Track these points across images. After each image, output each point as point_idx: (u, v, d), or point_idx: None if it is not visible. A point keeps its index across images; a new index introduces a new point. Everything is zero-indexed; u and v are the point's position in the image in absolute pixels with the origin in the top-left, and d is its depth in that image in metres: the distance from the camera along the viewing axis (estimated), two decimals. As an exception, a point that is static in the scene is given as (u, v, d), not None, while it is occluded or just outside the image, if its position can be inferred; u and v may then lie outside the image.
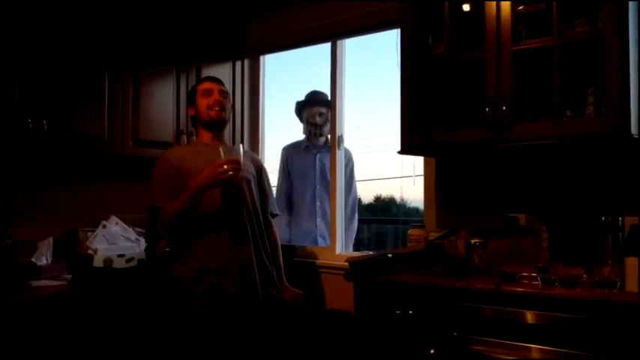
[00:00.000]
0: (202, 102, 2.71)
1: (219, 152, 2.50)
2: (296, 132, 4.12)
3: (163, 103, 3.50)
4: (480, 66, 2.54)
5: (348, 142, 3.75)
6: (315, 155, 3.95)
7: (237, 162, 2.45)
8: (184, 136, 3.51)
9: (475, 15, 2.63)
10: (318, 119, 3.93)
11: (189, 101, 2.83)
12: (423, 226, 2.77)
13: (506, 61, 2.46)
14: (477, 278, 2.29)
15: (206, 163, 2.52)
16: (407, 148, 2.74)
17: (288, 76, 4.87)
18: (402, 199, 4.94)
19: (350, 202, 3.83)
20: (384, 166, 4.72)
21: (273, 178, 3.83)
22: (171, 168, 2.63)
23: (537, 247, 2.53)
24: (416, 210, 4.82)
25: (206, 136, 2.75)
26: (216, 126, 2.73)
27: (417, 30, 2.77)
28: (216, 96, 2.70)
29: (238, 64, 3.94)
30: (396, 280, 2.35)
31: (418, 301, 2.29)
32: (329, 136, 3.81)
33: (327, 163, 3.79)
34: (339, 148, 3.61)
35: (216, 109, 2.68)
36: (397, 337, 2.30)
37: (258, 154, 4.06)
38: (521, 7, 2.49)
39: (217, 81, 2.78)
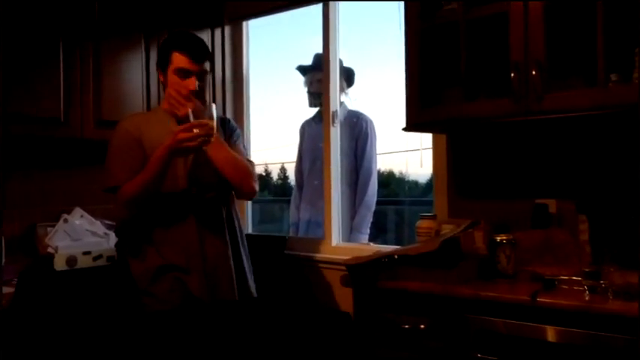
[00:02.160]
0: (175, 81, 2.23)
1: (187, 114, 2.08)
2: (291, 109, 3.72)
3: (131, 77, 3.06)
4: (502, 22, 2.08)
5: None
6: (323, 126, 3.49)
7: (210, 126, 2.01)
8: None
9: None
10: (315, 87, 3.48)
11: (159, 63, 2.32)
12: (433, 217, 2.33)
13: (536, 14, 1.99)
14: (504, 284, 1.86)
15: (168, 134, 2.14)
16: (413, 125, 2.29)
17: (279, 44, 4.36)
18: (401, 173, 4.63)
19: (361, 182, 3.40)
20: (385, 136, 4.24)
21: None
22: (132, 139, 2.23)
23: (573, 240, 2.10)
24: (415, 183, 4.53)
25: None
26: None
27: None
28: (192, 83, 2.20)
29: (218, 31, 3.46)
30: (403, 288, 1.92)
31: (432, 314, 1.87)
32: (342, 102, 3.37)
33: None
34: (332, 125, 3.16)
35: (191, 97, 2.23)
36: (406, 356, 1.88)
37: (243, 135, 3.60)
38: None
39: (198, 58, 2.22)
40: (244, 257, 2.40)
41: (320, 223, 3.40)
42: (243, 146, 2.50)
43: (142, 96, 3.08)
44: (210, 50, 3.38)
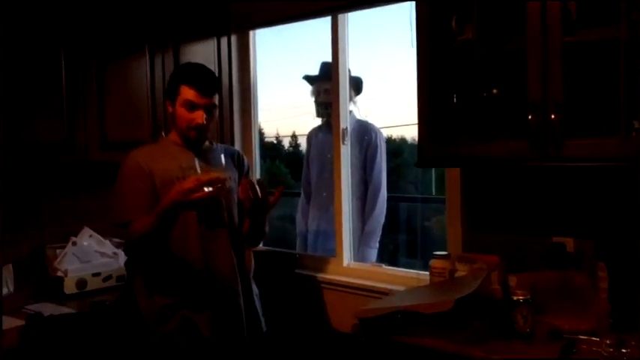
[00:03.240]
0: (183, 115, 2.19)
1: (194, 165, 2.08)
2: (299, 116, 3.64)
3: (135, 93, 2.99)
4: (520, 58, 1.98)
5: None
6: (331, 136, 3.41)
7: (220, 179, 1.97)
8: (163, 133, 2.99)
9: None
10: (322, 97, 3.40)
11: (167, 94, 2.30)
12: (447, 257, 2.27)
13: (555, 55, 1.89)
14: (521, 346, 1.80)
15: (180, 170, 2.18)
16: (426, 162, 2.21)
17: (288, 52, 4.23)
18: (414, 139, 4.44)
19: (370, 196, 3.34)
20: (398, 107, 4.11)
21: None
22: (143, 174, 2.19)
23: (592, 285, 2.04)
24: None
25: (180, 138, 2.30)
26: (195, 145, 2.26)
27: (437, 8, 2.19)
28: (199, 117, 2.16)
29: (224, 40, 3.35)
30: (415, 344, 1.87)
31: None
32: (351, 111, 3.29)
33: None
34: (343, 143, 3.07)
35: (198, 131, 2.20)
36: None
37: (250, 145, 3.53)
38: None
39: (207, 92, 2.18)
40: (254, 292, 2.38)
41: (329, 234, 3.36)
42: None
43: (147, 114, 3.01)
44: (217, 59, 3.33)
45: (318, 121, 3.60)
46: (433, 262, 2.26)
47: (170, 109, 2.25)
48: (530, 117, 1.94)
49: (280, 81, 3.95)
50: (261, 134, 3.70)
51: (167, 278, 2.21)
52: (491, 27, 2.10)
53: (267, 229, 2.36)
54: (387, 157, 3.51)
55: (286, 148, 5.38)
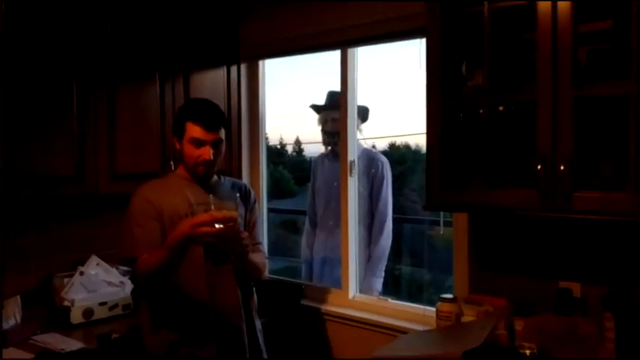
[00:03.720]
0: (190, 151, 2.21)
1: (206, 201, 2.08)
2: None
3: (145, 123, 2.98)
4: (530, 110, 1.99)
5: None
6: (338, 165, 3.42)
7: (232, 218, 2.00)
8: (171, 163, 3.00)
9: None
10: (330, 126, 3.41)
11: (174, 131, 2.30)
12: (453, 300, 2.28)
13: (567, 106, 1.90)
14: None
15: (188, 207, 2.21)
16: (434, 207, 2.22)
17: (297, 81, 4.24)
18: (418, 146, 4.48)
19: (376, 226, 3.35)
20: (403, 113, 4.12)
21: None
22: (152, 210, 2.21)
23: (598, 334, 2.04)
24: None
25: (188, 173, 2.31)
26: (203, 180, 2.28)
27: (447, 52, 2.21)
28: (206, 153, 2.18)
29: (234, 69, 3.38)
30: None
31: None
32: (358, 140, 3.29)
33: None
34: (350, 175, 3.08)
35: (206, 166, 2.22)
36: None
37: (258, 174, 3.55)
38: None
39: (213, 127, 2.19)
40: (258, 328, 2.40)
41: (335, 263, 3.37)
42: (257, 216, 2.49)
43: (157, 143, 3.01)
44: (227, 87, 3.35)
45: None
46: (440, 306, 2.27)
47: (177, 145, 2.26)
48: (539, 167, 1.95)
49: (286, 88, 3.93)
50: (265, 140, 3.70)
51: (172, 313, 2.23)
52: (502, 72, 2.11)
53: (257, 259, 2.34)
54: (391, 164, 3.53)
55: (289, 153, 5.41)
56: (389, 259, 3.52)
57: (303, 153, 5.16)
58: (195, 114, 2.20)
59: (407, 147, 4.71)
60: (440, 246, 3.70)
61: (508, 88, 2.09)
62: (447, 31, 2.19)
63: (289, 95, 4.13)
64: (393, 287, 4.34)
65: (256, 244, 2.41)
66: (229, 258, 2.26)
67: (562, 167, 1.90)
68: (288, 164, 5.36)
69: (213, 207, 2.03)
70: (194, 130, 2.18)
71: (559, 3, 1.90)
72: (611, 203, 1.84)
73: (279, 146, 5.26)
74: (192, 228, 1.95)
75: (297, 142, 5.31)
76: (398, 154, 4.70)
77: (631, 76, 1.80)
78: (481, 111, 2.12)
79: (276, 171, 5.04)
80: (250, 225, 2.41)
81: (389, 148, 4.70)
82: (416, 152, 4.54)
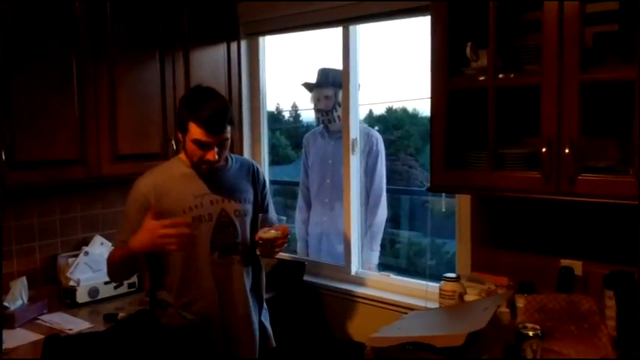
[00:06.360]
0: (194, 150, 2.14)
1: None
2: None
3: (146, 102, 2.97)
4: (534, 92, 2.00)
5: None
6: (331, 143, 3.45)
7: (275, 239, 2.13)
8: (173, 143, 3.00)
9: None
10: (323, 103, 3.40)
11: (177, 123, 2.25)
12: (456, 279, 2.31)
13: (572, 91, 1.91)
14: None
15: (192, 199, 2.19)
16: (438, 188, 2.24)
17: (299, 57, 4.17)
18: (415, 109, 4.54)
19: (372, 201, 3.37)
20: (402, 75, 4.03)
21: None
22: (143, 207, 2.16)
23: (599, 312, 2.08)
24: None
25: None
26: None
27: (453, 33, 2.20)
28: (211, 155, 2.12)
29: (234, 45, 3.35)
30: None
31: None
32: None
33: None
34: (352, 153, 3.09)
35: (210, 165, 2.18)
36: None
37: (259, 150, 3.55)
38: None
39: (216, 131, 2.09)
40: (265, 314, 2.43)
41: (332, 239, 3.41)
42: (268, 195, 2.49)
43: (159, 123, 3.01)
44: (227, 63, 3.32)
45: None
46: (443, 285, 2.30)
47: (181, 138, 2.21)
48: (543, 150, 1.96)
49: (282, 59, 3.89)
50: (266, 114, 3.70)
51: (178, 295, 2.25)
52: (506, 52, 2.11)
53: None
54: (388, 128, 3.54)
55: (286, 118, 5.40)
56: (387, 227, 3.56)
57: (300, 118, 5.15)
58: (199, 116, 2.07)
59: (404, 110, 4.70)
60: (436, 210, 3.69)
61: (513, 70, 2.08)
62: (453, 11, 2.17)
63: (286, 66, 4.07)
64: (393, 256, 4.41)
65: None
66: (237, 249, 2.26)
67: (567, 150, 1.92)
68: (285, 130, 5.35)
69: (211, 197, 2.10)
70: (198, 133, 2.08)
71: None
72: (614, 187, 1.85)
73: (275, 112, 5.25)
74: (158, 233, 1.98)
75: (294, 107, 5.28)
76: (394, 117, 4.70)
77: (636, 62, 1.79)
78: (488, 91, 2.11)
79: (273, 137, 5.04)
80: (265, 207, 2.41)
81: (386, 112, 4.73)
82: (413, 116, 4.55)
